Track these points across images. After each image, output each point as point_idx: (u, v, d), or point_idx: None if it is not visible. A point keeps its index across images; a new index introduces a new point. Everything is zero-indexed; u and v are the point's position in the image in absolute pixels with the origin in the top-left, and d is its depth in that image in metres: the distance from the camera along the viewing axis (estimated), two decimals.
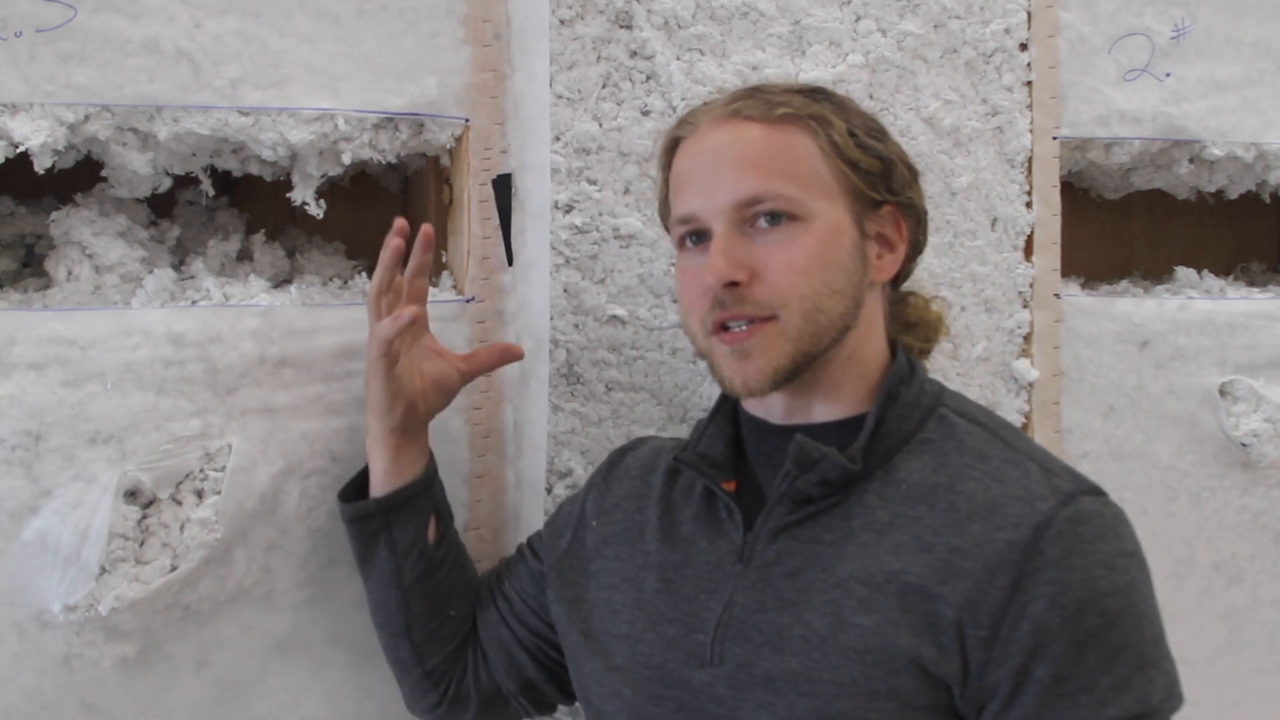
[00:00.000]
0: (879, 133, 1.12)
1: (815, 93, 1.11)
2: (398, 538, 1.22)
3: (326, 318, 1.29)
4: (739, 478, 1.13)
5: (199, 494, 1.23)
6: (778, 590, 1.04)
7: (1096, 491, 1.01)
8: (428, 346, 1.25)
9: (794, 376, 1.07)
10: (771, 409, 1.12)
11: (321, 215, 1.34)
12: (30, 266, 1.39)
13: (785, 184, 1.05)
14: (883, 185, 1.09)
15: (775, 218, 1.05)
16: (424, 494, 1.23)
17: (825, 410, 1.10)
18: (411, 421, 1.22)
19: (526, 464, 1.42)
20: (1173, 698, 0.96)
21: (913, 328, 1.21)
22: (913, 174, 1.14)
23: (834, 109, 1.10)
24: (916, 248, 1.15)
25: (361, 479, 1.26)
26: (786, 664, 1.00)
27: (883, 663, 0.96)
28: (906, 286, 1.21)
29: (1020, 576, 0.95)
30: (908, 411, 1.07)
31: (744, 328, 1.05)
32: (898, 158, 1.12)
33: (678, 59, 1.46)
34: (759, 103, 1.09)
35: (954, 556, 0.98)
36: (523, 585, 1.28)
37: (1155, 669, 0.96)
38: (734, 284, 1.05)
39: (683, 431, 1.48)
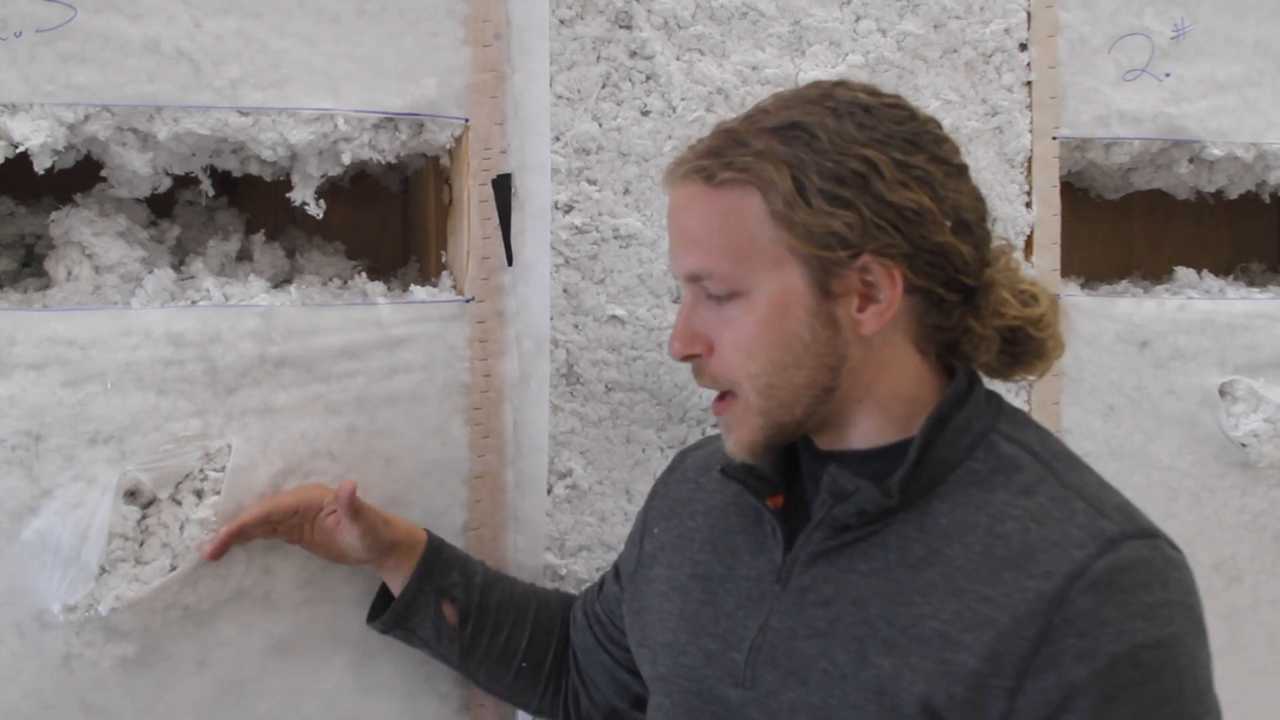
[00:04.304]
0: (855, 176, 0.98)
1: (790, 130, 1.00)
2: (423, 636, 1.30)
3: (326, 318, 1.29)
4: (789, 490, 1.10)
5: (199, 494, 1.23)
6: (809, 618, 1.02)
7: (1148, 535, 0.96)
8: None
9: (779, 443, 1.05)
10: (813, 435, 1.08)
11: (321, 215, 1.34)
12: (30, 266, 1.39)
13: (722, 259, 1.00)
14: (842, 243, 0.98)
15: (721, 293, 1.02)
16: (420, 594, 1.27)
17: (859, 440, 1.05)
18: (366, 557, 1.27)
19: (526, 464, 1.42)
20: None
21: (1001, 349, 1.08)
22: (920, 213, 0.98)
23: (799, 154, 0.98)
24: (948, 282, 1.01)
25: (385, 592, 1.32)
26: (809, 697, 0.99)
27: (896, 706, 0.95)
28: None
29: (1048, 628, 0.91)
30: (955, 439, 1.01)
31: (719, 398, 1.06)
32: (880, 200, 0.98)
33: (678, 59, 1.46)
34: (713, 160, 1.01)
35: (983, 605, 0.94)
36: (610, 606, 1.28)
37: None
38: (694, 355, 1.05)
39: (681, 431, 1.48)
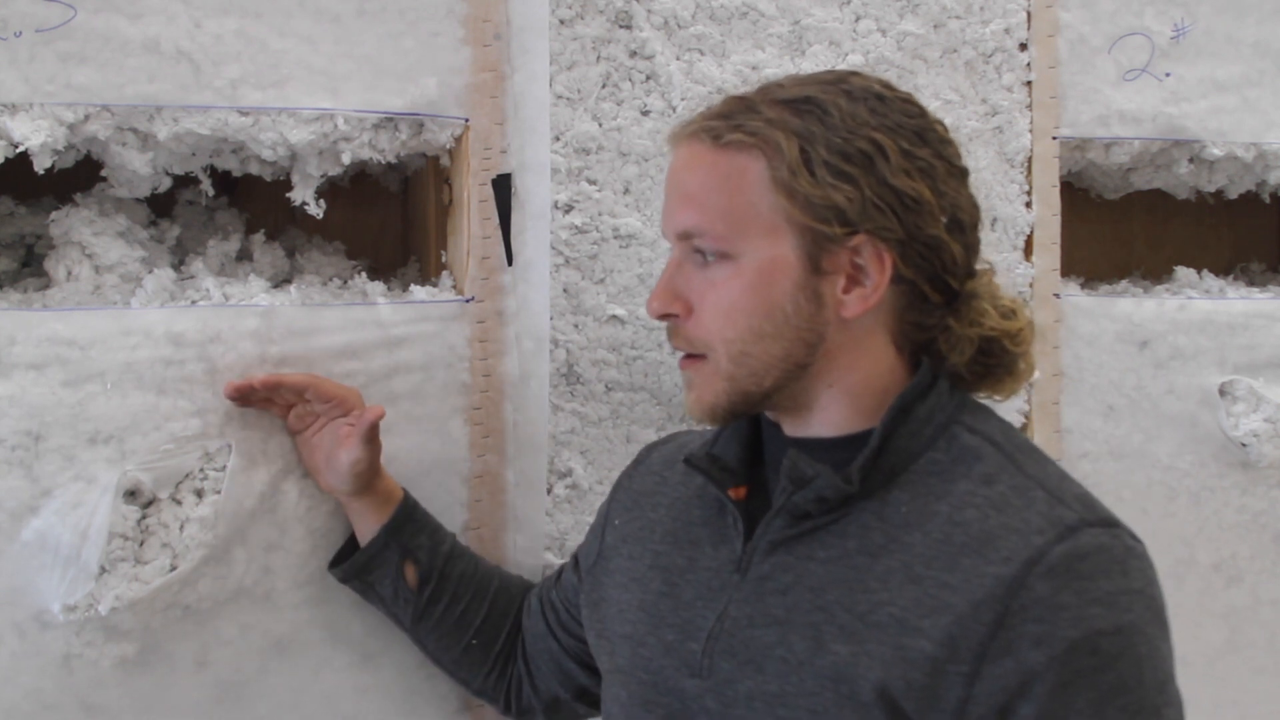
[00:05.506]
0: (862, 156, 0.99)
1: (803, 104, 1.01)
2: (380, 592, 1.29)
3: (326, 318, 1.29)
4: (753, 482, 1.10)
5: (199, 494, 1.23)
6: (767, 606, 1.02)
7: (1108, 524, 0.96)
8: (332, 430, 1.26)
9: (742, 411, 1.06)
10: (778, 417, 1.09)
11: (321, 215, 1.34)
12: (30, 266, 1.39)
13: (717, 220, 1.01)
14: (840, 219, 0.99)
15: (710, 253, 1.03)
16: (385, 549, 1.27)
17: (824, 427, 1.06)
18: (341, 486, 1.25)
19: (526, 464, 1.42)
20: None
21: (980, 358, 1.08)
22: (919, 202, 1.00)
23: (809, 127, 1.00)
24: (934, 279, 1.03)
25: (351, 541, 1.31)
26: (766, 685, 0.99)
27: (853, 694, 0.95)
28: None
29: (1005, 613, 0.91)
30: (918, 429, 1.02)
31: (686, 356, 1.07)
32: (882, 182, 0.99)
33: (677, 59, 1.46)
34: (722, 122, 1.02)
35: (941, 591, 0.94)
36: (566, 594, 1.28)
37: (1155, 716, 0.91)
38: (671, 315, 1.05)
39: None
